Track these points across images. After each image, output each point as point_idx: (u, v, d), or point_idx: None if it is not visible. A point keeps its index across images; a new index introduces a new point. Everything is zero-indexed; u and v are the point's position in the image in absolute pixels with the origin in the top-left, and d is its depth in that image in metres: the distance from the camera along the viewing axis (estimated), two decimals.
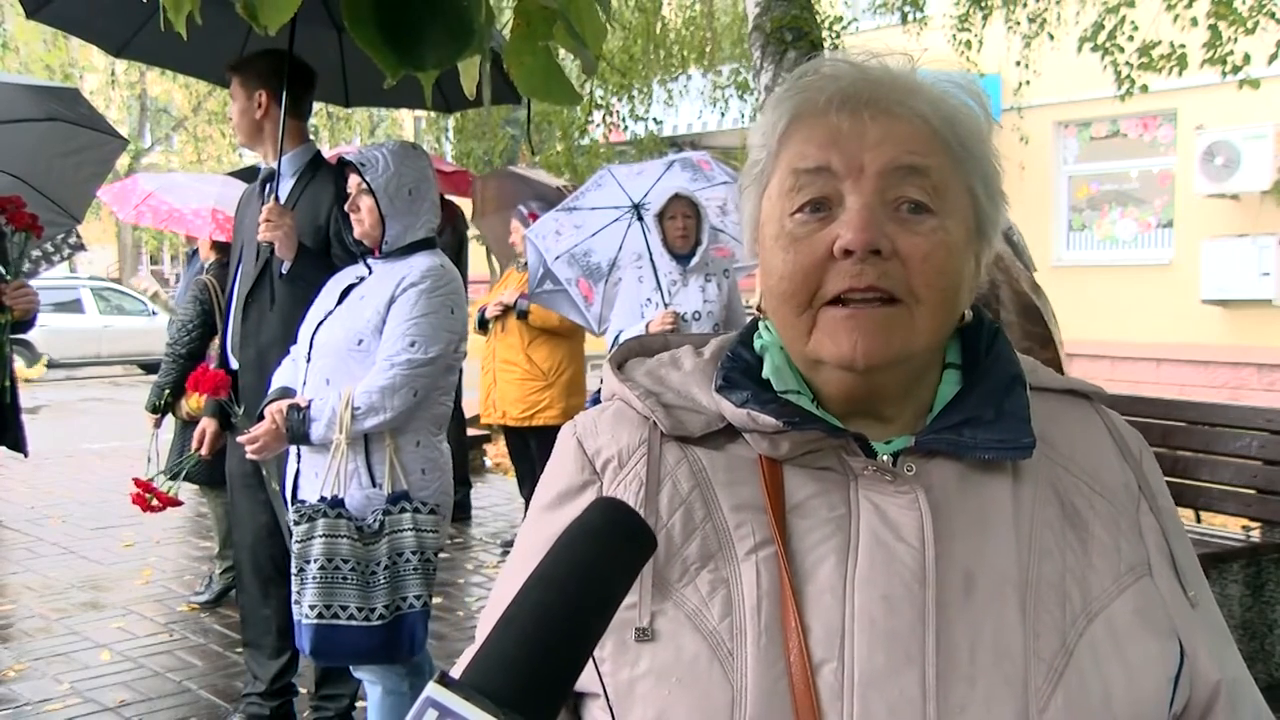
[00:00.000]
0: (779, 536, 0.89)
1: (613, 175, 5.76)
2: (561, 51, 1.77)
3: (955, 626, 0.86)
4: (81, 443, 9.72)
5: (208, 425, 3.73)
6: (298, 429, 2.85)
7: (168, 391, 5.01)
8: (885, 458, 0.92)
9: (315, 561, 2.71)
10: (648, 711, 0.86)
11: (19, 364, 8.89)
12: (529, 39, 1.64)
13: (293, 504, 2.99)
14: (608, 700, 0.88)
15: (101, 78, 20.58)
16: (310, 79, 3.54)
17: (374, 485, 2.85)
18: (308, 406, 2.86)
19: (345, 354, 2.89)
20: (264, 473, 3.34)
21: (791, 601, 0.86)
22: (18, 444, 3.81)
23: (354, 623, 2.73)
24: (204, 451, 3.73)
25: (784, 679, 0.84)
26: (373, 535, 2.79)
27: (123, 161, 19.65)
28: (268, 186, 3.50)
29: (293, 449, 3.03)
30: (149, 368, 16.07)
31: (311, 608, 2.72)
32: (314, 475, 2.93)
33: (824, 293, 0.89)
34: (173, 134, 23.83)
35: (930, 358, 0.94)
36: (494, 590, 1.01)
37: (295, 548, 2.76)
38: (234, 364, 3.52)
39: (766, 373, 0.96)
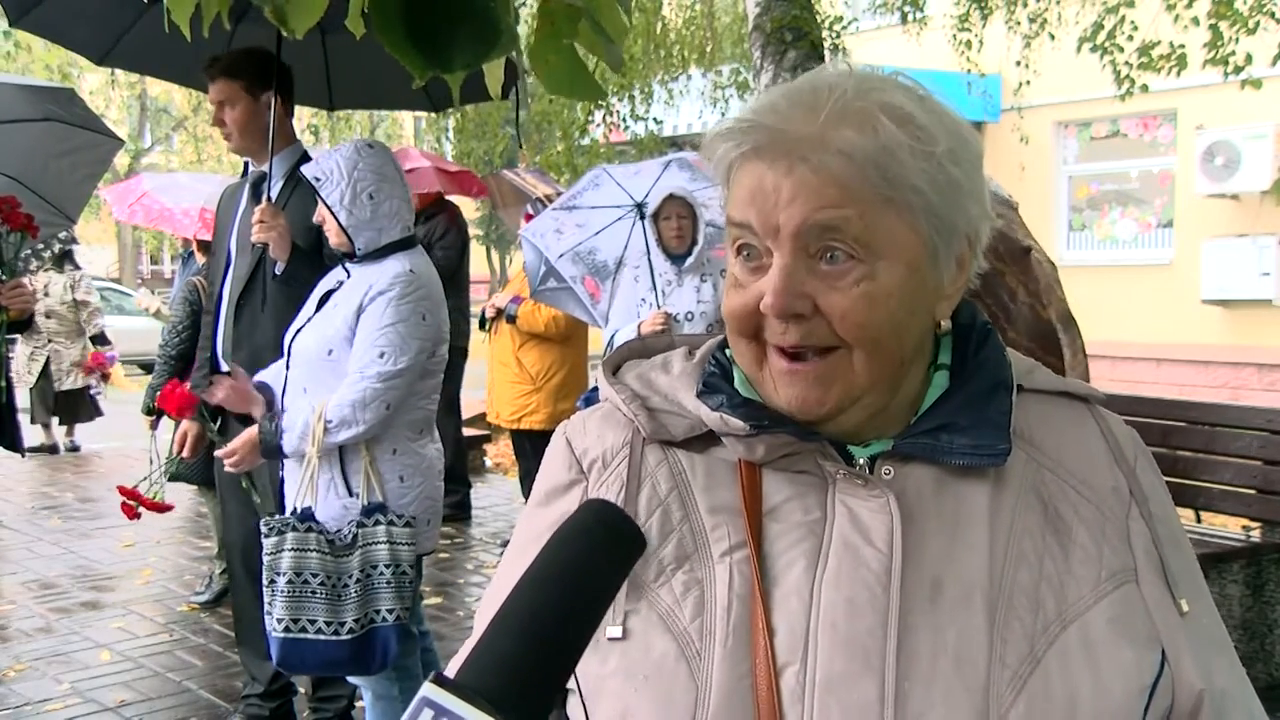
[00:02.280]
0: (752, 539, 0.89)
1: (609, 175, 5.75)
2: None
3: (918, 632, 0.86)
4: (81, 442, 9.71)
5: (189, 428, 3.72)
6: (270, 440, 2.82)
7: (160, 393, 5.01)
8: (862, 461, 0.93)
9: (284, 575, 2.71)
10: (615, 708, 0.88)
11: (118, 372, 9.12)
12: (553, 38, 1.65)
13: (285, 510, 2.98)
14: (580, 696, 0.90)
15: (101, 78, 20.56)
16: (292, 76, 3.53)
17: (350, 495, 2.82)
18: (280, 417, 2.83)
19: (318, 363, 2.85)
20: (243, 482, 3.32)
21: (760, 604, 0.87)
22: (14, 444, 3.81)
23: (322, 636, 2.72)
24: (186, 453, 3.71)
25: (747, 680, 0.85)
26: (345, 548, 2.76)
27: (123, 162, 19.66)
28: (260, 188, 3.50)
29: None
30: (149, 368, 16.06)
31: (279, 621, 2.72)
32: (294, 483, 2.91)
33: (764, 338, 0.91)
34: (173, 134, 23.84)
35: (886, 396, 0.92)
36: (489, 586, 1.03)
37: (265, 560, 2.74)
38: (224, 367, 3.50)
39: (736, 383, 0.97)
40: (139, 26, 3.81)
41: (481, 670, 0.62)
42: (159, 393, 3.05)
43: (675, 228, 4.77)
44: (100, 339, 9.33)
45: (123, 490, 3.20)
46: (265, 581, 2.76)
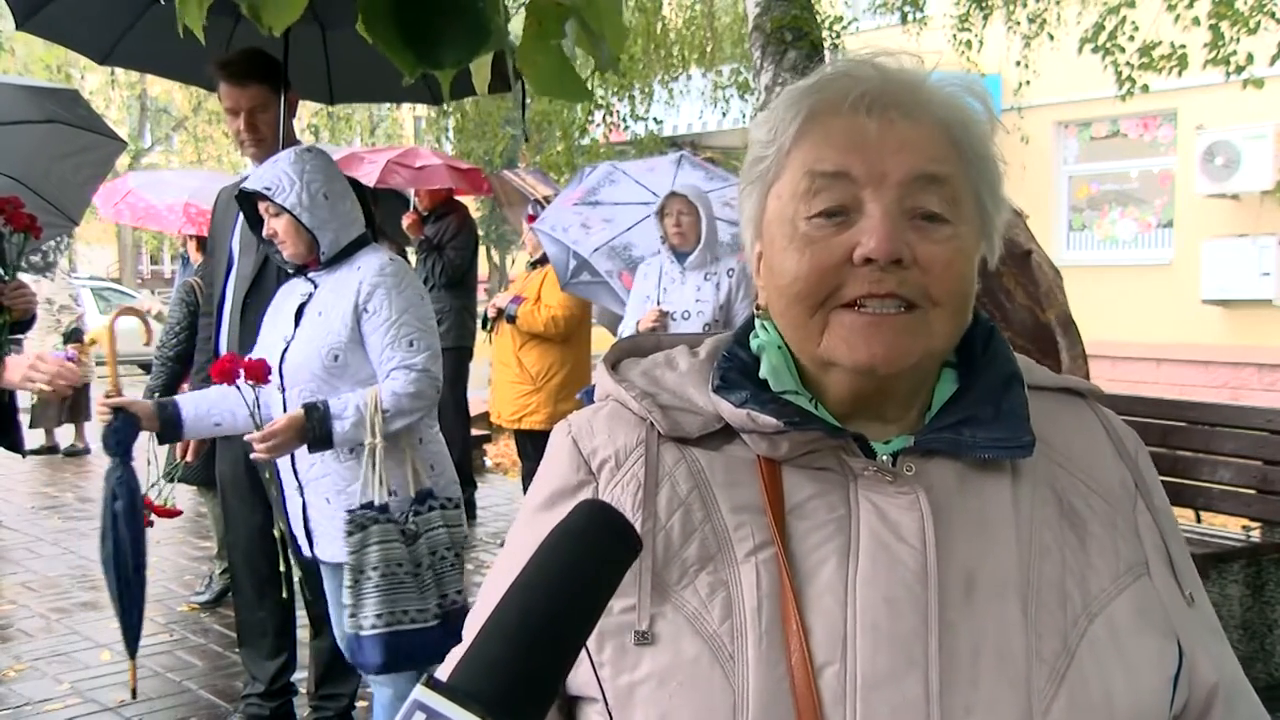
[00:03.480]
0: (779, 538, 0.88)
1: (624, 172, 5.81)
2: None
3: (958, 628, 0.86)
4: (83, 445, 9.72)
5: None
6: (319, 428, 2.73)
7: (158, 395, 5.00)
8: (885, 458, 0.92)
9: (376, 569, 2.68)
10: (649, 715, 0.86)
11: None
12: (541, 38, 1.65)
13: (306, 552, 2.94)
14: (606, 705, 0.87)
15: (102, 78, 20.57)
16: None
17: (391, 495, 2.80)
18: (325, 405, 2.76)
19: (323, 373, 2.82)
20: (264, 476, 3.31)
21: (792, 603, 0.86)
22: (15, 444, 3.81)
23: (416, 625, 2.71)
24: (189, 457, 3.71)
25: (786, 681, 0.84)
26: (412, 537, 2.76)
27: (123, 162, 19.60)
28: None
29: (292, 496, 2.95)
30: (149, 368, 16.00)
31: (378, 617, 2.68)
32: (346, 479, 2.83)
33: (840, 296, 0.89)
34: (173, 134, 23.83)
35: (939, 361, 0.95)
36: (482, 589, 1.01)
37: (350, 559, 2.70)
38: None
39: (764, 373, 0.96)
40: (139, 26, 3.82)
41: (474, 674, 0.61)
42: (213, 369, 2.99)
43: (675, 224, 4.80)
44: (73, 336, 9.00)
45: None
46: (349, 583, 2.70)
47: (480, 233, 8.54)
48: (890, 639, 0.85)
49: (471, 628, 0.97)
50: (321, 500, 2.88)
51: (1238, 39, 7.37)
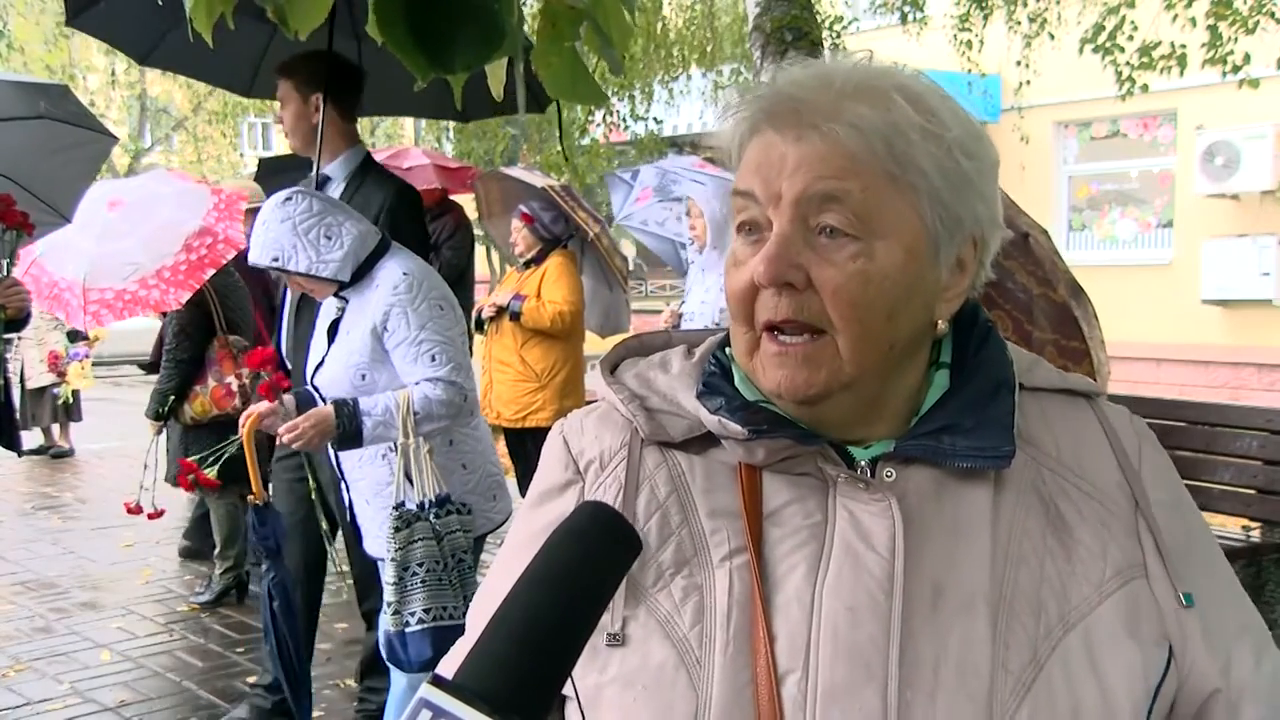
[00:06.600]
0: (752, 544, 0.88)
1: (672, 171, 6.05)
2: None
3: (920, 639, 0.84)
4: (81, 443, 9.70)
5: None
6: (348, 424, 2.76)
7: (173, 398, 4.96)
8: (864, 464, 0.91)
9: (422, 565, 2.72)
10: (613, 717, 0.86)
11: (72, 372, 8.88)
12: (555, 40, 1.65)
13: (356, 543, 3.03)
14: (578, 703, 0.88)
15: (101, 78, 20.53)
16: (359, 80, 3.52)
17: (430, 495, 2.86)
18: (355, 402, 2.78)
19: (350, 390, 2.86)
20: (310, 474, 3.30)
21: (760, 610, 0.85)
22: (12, 443, 3.81)
23: (456, 621, 2.75)
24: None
25: (749, 689, 0.84)
26: (438, 538, 2.81)
27: (124, 162, 19.64)
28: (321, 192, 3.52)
29: (346, 494, 3.00)
30: (150, 368, 15.97)
31: (426, 612, 2.72)
32: (383, 479, 2.88)
33: (756, 320, 0.89)
34: (173, 134, 23.81)
35: (876, 384, 0.91)
36: (484, 584, 1.01)
37: (395, 555, 2.72)
38: (289, 365, 3.53)
39: (736, 381, 0.95)
40: (179, 30, 3.83)
41: (479, 672, 0.62)
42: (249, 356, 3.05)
43: (691, 226, 4.89)
44: (75, 335, 9.03)
45: (185, 464, 3.16)
46: (392, 578, 2.72)
47: (479, 233, 8.50)
48: (850, 648, 0.84)
49: (475, 623, 0.97)
50: (362, 501, 2.97)
51: (1235, 39, 7.38)
